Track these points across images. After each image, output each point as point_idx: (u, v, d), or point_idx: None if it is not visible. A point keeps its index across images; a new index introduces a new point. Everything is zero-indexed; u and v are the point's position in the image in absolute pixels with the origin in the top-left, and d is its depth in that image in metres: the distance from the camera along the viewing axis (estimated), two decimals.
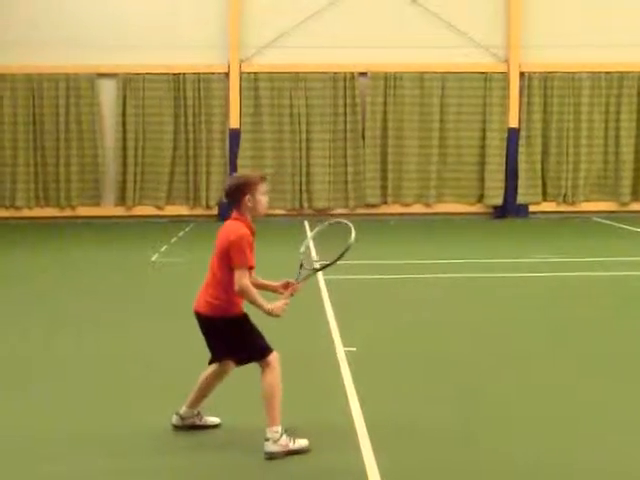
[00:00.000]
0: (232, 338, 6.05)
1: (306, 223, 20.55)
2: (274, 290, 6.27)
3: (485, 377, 7.91)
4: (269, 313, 5.97)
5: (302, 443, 5.96)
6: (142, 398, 7.28)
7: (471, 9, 21.90)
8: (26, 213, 21.72)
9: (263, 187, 6.09)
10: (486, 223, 21.59)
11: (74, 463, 5.89)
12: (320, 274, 13.05)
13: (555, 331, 9.74)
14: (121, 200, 21.80)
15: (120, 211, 21.86)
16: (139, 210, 21.78)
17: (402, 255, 15.73)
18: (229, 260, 5.91)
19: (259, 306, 5.93)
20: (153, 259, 15.05)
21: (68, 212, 21.80)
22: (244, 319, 6.06)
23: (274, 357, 5.99)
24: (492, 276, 13.40)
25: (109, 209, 21.89)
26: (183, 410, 6.40)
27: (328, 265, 6.29)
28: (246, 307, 6.10)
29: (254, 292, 5.93)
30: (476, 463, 5.83)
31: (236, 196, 6.04)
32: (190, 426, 6.41)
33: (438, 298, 11.78)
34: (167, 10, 21.69)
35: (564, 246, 16.77)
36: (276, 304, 5.99)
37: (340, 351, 8.63)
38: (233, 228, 5.99)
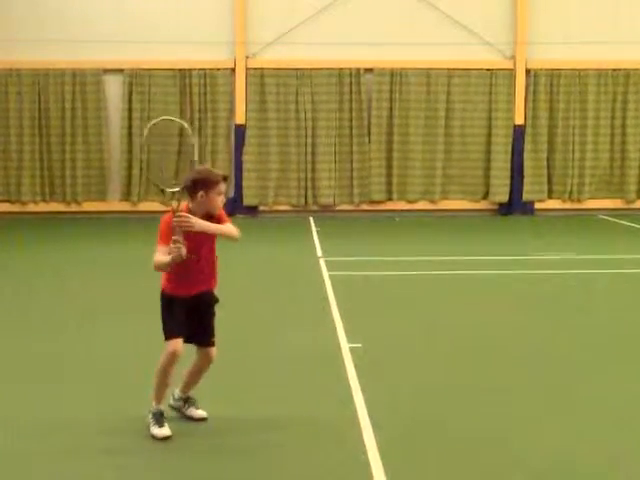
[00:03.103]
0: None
1: (311, 219, 20.56)
2: None
3: (490, 374, 7.91)
4: (172, 261, 5.98)
5: (158, 431, 6.10)
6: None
7: (477, 5, 21.84)
8: (31, 208, 21.74)
9: (221, 187, 6.17)
10: (491, 220, 21.57)
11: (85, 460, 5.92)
12: (324, 272, 13.07)
13: (560, 329, 9.74)
14: (126, 195, 21.81)
15: (126, 206, 21.86)
16: (145, 205, 21.78)
17: (407, 252, 15.70)
18: None
19: (167, 264, 6.00)
20: None
21: (74, 207, 21.81)
22: (166, 298, 6.23)
23: (171, 344, 6.13)
24: (497, 273, 13.40)
25: (115, 204, 21.89)
26: (176, 392, 6.59)
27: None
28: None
29: (157, 260, 6.03)
30: (481, 459, 5.84)
31: (191, 190, 6.18)
32: (178, 411, 6.58)
33: (443, 295, 11.77)
34: (173, 6, 21.67)
35: (569, 243, 16.74)
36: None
37: (345, 347, 8.63)
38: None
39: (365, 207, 21.98)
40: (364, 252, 15.53)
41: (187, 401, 6.60)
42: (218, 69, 21.63)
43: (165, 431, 6.15)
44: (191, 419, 6.53)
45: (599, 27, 21.67)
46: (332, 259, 14.31)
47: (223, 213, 6.30)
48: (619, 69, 21.85)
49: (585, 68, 21.81)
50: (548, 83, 21.93)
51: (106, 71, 21.55)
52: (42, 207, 21.74)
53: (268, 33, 21.49)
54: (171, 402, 6.58)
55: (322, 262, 14.01)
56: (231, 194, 21.80)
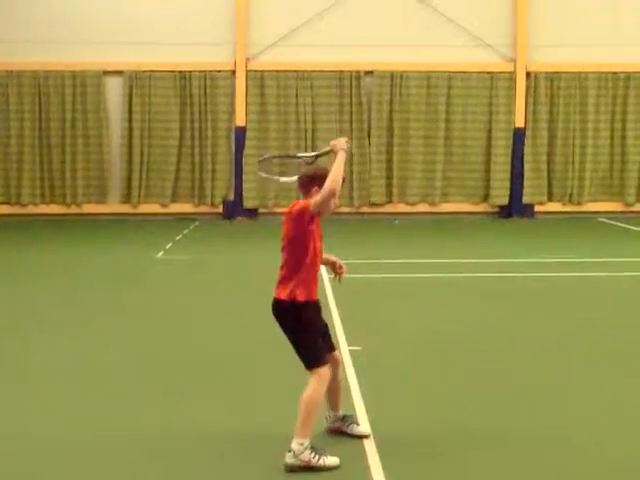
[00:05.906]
0: (292, 330, 5.75)
1: None
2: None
3: (491, 379, 7.89)
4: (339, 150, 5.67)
5: (330, 461, 5.63)
6: (143, 398, 7.29)
7: (478, 8, 21.87)
8: (32, 210, 21.75)
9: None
10: (491, 223, 21.57)
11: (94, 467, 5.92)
12: (324, 275, 13.06)
13: (562, 331, 9.73)
14: (127, 198, 21.82)
15: (126, 208, 21.87)
16: (144, 208, 21.79)
17: (407, 255, 15.71)
18: (297, 227, 5.69)
19: (340, 168, 5.57)
20: (158, 256, 15.07)
21: (74, 209, 21.81)
22: (305, 308, 5.70)
23: (324, 371, 5.66)
24: (497, 276, 13.39)
25: (115, 206, 21.90)
26: (328, 414, 6.23)
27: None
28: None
29: (332, 177, 5.54)
30: (482, 461, 5.83)
31: (307, 186, 5.77)
32: (338, 431, 6.19)
33: (442, 298, 11.77)
34: (174, 8, 21.69)
35: (569, 246, 16.75)
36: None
37: (345, 350, 8.62)
38: (297, 204, 5.74)
39: (365, 210, 21.99)
40: (364, 255, 15.52)
41: (345, 419, 6.21)
42: (218, 71, 21.65)
43: (335, 458, 5.65)
44: (354, 437, 6.14)
45: (599, 30, 21.69)
46: None
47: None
48: (619, 72, 21.87)
49: (585, 71, 21.84)
50: (548, 86, 21.95)
51: (106, 73, 21.58)
52: (42, 209, 21.75)
53: (268, 35, 21.51)
54: (328, 425, 6.22)
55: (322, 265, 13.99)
56: (231, 197, 21.82)
